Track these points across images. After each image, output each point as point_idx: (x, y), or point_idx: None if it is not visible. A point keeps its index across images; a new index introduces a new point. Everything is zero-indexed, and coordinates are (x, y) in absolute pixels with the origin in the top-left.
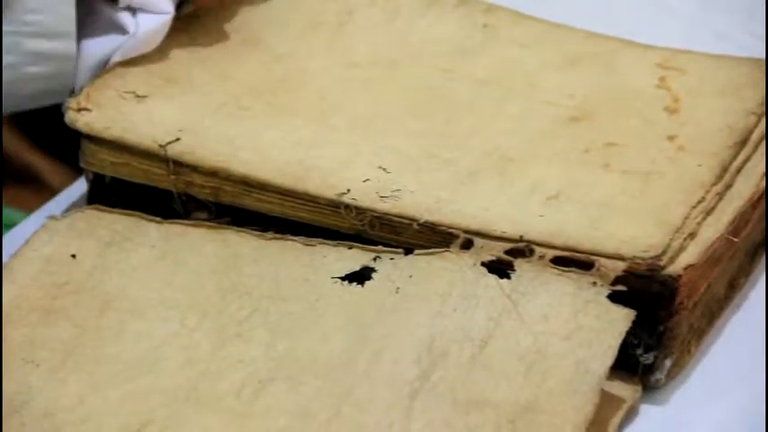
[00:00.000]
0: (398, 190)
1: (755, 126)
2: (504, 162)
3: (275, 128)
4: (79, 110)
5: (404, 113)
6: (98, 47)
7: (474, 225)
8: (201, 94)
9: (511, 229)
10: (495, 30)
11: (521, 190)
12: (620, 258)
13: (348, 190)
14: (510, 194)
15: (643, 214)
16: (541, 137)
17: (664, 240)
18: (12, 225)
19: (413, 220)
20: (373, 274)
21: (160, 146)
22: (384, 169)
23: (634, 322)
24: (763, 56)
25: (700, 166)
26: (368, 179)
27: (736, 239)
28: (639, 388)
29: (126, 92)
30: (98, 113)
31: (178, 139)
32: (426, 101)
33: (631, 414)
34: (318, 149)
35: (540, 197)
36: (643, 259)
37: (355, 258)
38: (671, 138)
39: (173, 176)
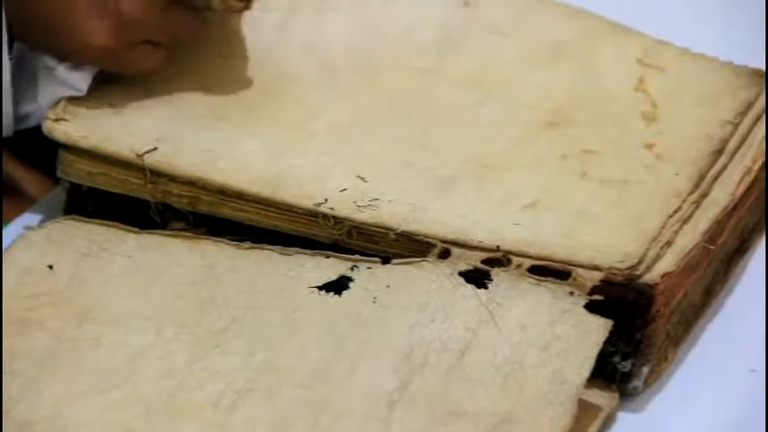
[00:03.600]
0: (376, 199)
1: (732, 135)
2: (481, 170)
3: (253, 137)
4: (56, 119)
5: (381, 120)
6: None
7: (451, 234)
8: (179, 104)
9: (488, 238)
10: (476, 8)
11: (498, 198)
12: (597, 268)
13: (325, 199)
14: (487, 202)
15: (619, 223)
16: (519, 143)
17: (640, 249)
18: None
19: (390, 229)
20: (350, 284)
21: (137, 155)
22: (362, 178)
23: (611, 330)
24: (738, 62)
25: (677, 174)
26: (345, 188)
27: (712, 247)
28: (617, 395)
29: (104, 103)
30: (75, 123)
31: (155, 149)
32: (404, 106)
33: (609, 422)
34: (296, 158)
35: (516, 205)
36: (619, 269)
37: (332, 267)
38: (648, 146)
39: (150, 186)
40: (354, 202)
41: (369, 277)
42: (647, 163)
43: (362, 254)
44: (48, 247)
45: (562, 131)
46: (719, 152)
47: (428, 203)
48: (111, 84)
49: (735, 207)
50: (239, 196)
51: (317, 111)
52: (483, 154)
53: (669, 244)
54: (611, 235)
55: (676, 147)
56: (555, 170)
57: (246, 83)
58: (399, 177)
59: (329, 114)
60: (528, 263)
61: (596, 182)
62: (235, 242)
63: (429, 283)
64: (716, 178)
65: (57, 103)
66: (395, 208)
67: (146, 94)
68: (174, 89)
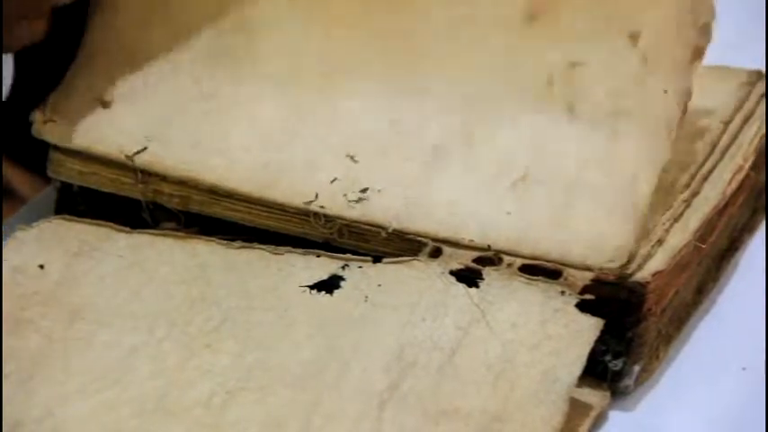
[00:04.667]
0: (366, 189)
1: (723, 134)
2: (468, 126)
3: (241, 118)
4: (45, 121)
5: (365, 58)
6: None
7: (442, 232)
8: (166, 82)
9: (479, 233)
10: None
11: (487, 173)
12: (588, 269)
13: (316, 195)
14: (477, 180)
15: (611, 196)
16: (500, 60)
17: (630, 238)
18: None
19: (381, 228)
20: (342, 283)
21: (127, 156)
22: (352, 158)
23: (602, 329)
24: (729, 63)
25: (666, 92)
26: (335, 178)
27: (703, 246)
28: (608, 394)
29: (91, 96)
30: (64, 124)
31: (145, 148)
32: (386, 32)
33: (600, 420)
34: (285, 146)
35: (507, 181)
36: (611, 270)
37: (324, 267)
38: (633, 36)
39: (141, 185)
40: (345, 196)
41: (360, 276)
42: (634, 73)
43: (354, 253)
44: (39, 246)
45: (544, 29)
46: (711, 150)
47: (418, 191)
48: (97, 67)
49: (726, 206)
50: (230, 195)
51: (302, 53)
52: (467, 92)
53: (660, 242)
54: (602, 218)
55: (660, 35)
56: (542, 108)
57: (226, 30)
58: (388, 152)
59: (314, 57)
60: (519, 262)
61: (585, 123)
62: (226, 241)
63: (420, 282)
64: (707, 177)
65: (44, 102)
66: (385, 201)
67: (132, 73)
68: (156, 47)
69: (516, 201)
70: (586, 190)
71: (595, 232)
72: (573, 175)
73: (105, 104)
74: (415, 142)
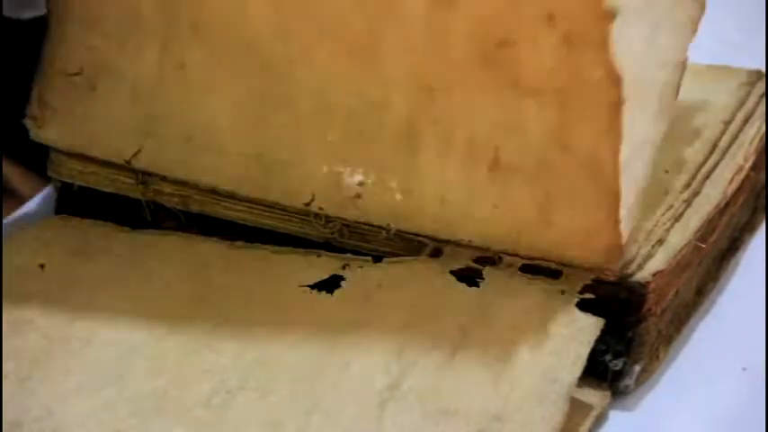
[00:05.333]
0: (362, 183)
1: (723, 134)
2: (426, 96)
3: (221, 98)
4: (40, 126)
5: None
6: None
7: (443, 233)
8: (147, 57)
9: (476, 234)
10: None
11: (462, 156)
12: (589, 270)
13: (313, 196)
14: (454, 165)
15: (581, 185)
16: (430, 42)
17: (616, 232)
18: None
19: (382, 228)
20: (342, 283)
21: (126, 161)
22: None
23: (603, 329)
24: (729, 63)
25: (594, 72)
26: (328, 168)
27: (703, 246)
28: (608, 394)
29: (73, 73)
30: (59, 125)
31: (140, 150)
32: None
33: (600, 420)
34: (273, 128)
35: (483, 167)
36: (611, 270)
37: (324, 266)
38: (549, 17)
39: (141, 185)
40: (341, 191)
41: (361, 276)
42: (558, 53)
43: (354, 252)
44: (39, 245)
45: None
46: (712, 149)
47: (404, 179)
48: (65, 34)
49: (726, 205)
50: (231, 195)
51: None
52: (416, 72)
53: (660, 242)
54: (581, 212)
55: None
56: (489, 83)
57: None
58: (365, 132)
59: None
60: (519, 262)
61: (531, 96)
62: (227, 241)
63: (420, 281)
64: (707, 176)
65: (30, 100)
66: (379, 192)
67: (102, 41)
68: (126, 20)
69: (499, 192)
70: (557, 178)
71: (581, 229)
72: (539, 155)
73: (89, 81)
74: (385, 119)
